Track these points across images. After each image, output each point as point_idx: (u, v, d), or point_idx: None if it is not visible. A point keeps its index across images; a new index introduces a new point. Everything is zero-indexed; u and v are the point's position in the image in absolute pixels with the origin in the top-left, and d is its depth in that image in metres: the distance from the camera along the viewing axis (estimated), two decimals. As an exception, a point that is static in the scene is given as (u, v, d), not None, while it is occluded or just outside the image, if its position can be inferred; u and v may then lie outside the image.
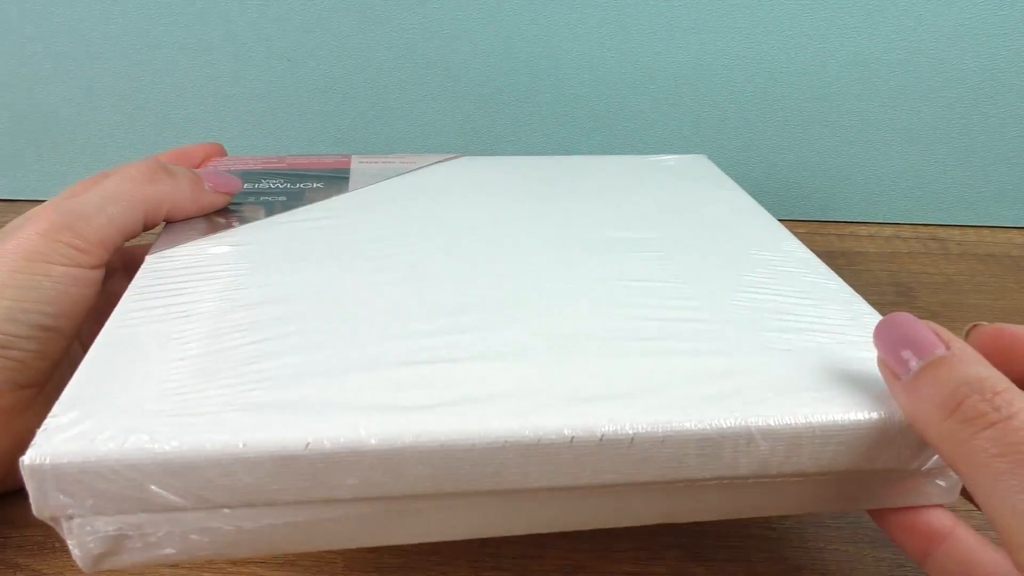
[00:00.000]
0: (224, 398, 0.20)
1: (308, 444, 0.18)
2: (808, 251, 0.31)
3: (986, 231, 0.51)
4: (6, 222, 0.27)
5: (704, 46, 0.46)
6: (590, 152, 0.50)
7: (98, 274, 0.27)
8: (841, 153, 0.49)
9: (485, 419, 0.19)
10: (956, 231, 0.51)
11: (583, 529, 0.22)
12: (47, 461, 0.18)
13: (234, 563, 0.26)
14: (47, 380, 0.27)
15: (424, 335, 0.23)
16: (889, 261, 0.47)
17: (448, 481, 0.19)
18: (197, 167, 0.35)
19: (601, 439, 0.19)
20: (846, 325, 0.25)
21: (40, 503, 0.19)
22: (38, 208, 0.26)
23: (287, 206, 0.32)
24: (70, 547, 0.19)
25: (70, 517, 0.19)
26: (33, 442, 0.18)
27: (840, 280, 0.29)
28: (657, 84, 0.48)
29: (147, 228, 0.29)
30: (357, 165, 0.37)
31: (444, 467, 0.19)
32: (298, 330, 0.23)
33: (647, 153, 0.46)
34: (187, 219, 0.30)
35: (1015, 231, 0.51)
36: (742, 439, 0.20)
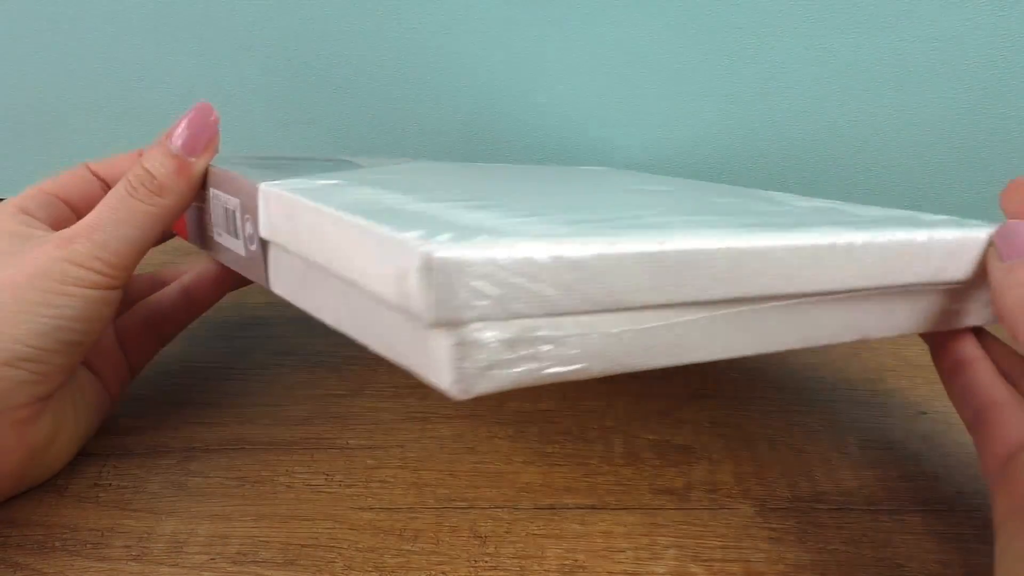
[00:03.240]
0: (572, 228, 0.21)
1: (719, 247, 0.22)
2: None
3: (986, 231, 0.51)
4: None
5: (703, 45, 0.46)
6: (589, 156, 0.50)
7: (119, 293, 0.28)
8: (841, 153, 0.49)
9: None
10: (956, 231, 0.51)
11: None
12: (459, 258, 0.17)
13: (234, 563, 0.26)
14: (56, 391, 0.27)
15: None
16: (889, 261, 0.47)
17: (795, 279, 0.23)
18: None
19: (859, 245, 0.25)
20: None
21: (439, 307, 0.17)
22: (63, 236, 0.26)
23: (335, 168, 0.31)
24: (451, 367, 0.18)
25: (465, 323, 0.18)
26: (427, 248, 0.17)
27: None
28: (655, 82, 0.48)
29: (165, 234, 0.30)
30: (347, 158, 0.37)
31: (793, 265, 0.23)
32: (508, 199, 0.24)
33: (638, 165, 0.46)
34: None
35: (1015, 231, 0.51)
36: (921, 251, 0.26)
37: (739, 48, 0.46)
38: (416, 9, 0.46)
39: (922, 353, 0.38)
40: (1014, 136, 0.48)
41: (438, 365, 0.18)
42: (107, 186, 0.31)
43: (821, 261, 0.24)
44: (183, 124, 0.28)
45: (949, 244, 0.26)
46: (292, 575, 0.26)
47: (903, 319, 0.28)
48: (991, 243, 0.26)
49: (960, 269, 0.27)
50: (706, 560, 0.27)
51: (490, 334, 0.18)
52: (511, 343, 0.19)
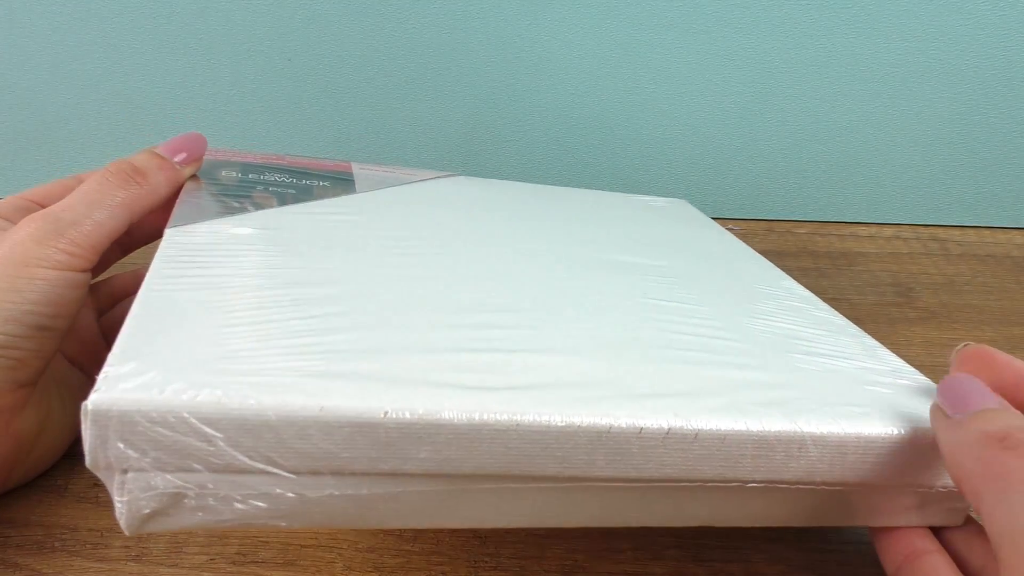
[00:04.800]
0: (289, 365, 0.19)
1: (386, 412, 0.18)
2: (806, 290, 0.33)
3: (986, 231, 0.51)
4: (6, 222, 0.27)
5: (703, 44, 0.46)
6: (589, 155, 0.50)
7: (88, 276, 0.27)
8: (841, 153, 0.49)
9: (559, 404, 0.20)
10: (956, 231, 0.51)
11: (633, 526, 0.23)
12: (114, 408, 0.17)
13: (234, 563, 0.26)
14: (38, 378, 0.27)
15: (471, 327, 0.23)
16: (889, 261, 0.47)
17: (517, 463, 0.20)
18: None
19: (668, 432, 0.20)
20: (861, 355, 0.27)
21: (98, 453, 0.17)
22: (31, 216, 0.26)
23: (298, 199, 0.32)
24: (116, 504, 0.18)
25: (125, 471, 0.18)
26: (96, 387, 0.17)
27: (843, 317, 0.31)
28: (656, 82, 0.48)
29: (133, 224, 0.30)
30: (359, 171, 0.38)
31: (516, 447, 0.19)
32: (346, 311, 0.22)
33: (639, 164, 0.46)
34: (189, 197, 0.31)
35: (1015, 231, 0.51)
36: (795, 444, 0.21)
37: (739, 48, 0.46)
38: (416, 8, 0.46)
39: (923, 353, 0.38)
40: (1014, 136, 0.48)
41: (113, 501, 0.18)
42: None
43: (594, 448, 0.20)
44: (171, 139, 0.32)
45: (825, 441, 0.21)
46: (292, 575, 0.26)
47: (835, 512, 0.24)
48: (934, 402, 0.22)
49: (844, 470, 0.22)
50: (706, 560, 0.27)
51: (151, 483, 0.18)
52: (177, 497, 0.18)
